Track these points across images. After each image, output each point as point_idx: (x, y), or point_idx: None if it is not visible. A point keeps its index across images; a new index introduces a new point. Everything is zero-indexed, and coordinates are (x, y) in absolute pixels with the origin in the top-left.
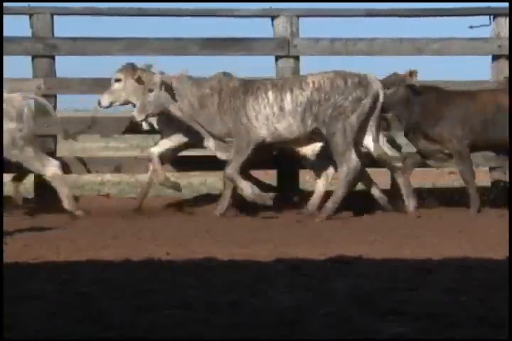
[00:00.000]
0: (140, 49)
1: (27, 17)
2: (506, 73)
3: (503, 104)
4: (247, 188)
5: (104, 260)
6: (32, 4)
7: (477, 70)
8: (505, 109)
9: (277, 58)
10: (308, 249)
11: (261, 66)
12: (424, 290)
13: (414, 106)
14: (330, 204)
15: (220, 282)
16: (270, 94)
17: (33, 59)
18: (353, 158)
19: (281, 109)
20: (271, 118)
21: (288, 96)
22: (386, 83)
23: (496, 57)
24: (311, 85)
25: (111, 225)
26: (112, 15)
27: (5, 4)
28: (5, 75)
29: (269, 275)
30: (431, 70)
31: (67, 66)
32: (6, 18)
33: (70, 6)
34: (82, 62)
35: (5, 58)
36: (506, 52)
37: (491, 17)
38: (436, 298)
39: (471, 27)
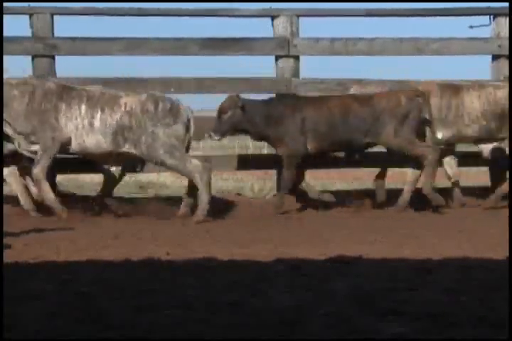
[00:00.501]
0: (140, 49)
1: (27, 17)
2: (506, 73)
3: (350, 108)
4: (48, 194)
5: (104, 260)
6: (32, 4)
7: (477, 70)
8: (352, 112)
9: (277, 58)
10: (308, 249)
11: (261, 66)
12: (424, 290)
13: (256, 120)
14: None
15: (220, 282)
16: (83, 106)
17: (33, 59)
18: (197, 164)
19: (91, 124)
20: (80, 129)
21: (99, 114)
22: (222, 108)
23: (495, 57)
24: (122, 108)
25: (111, 225)
26: (112, 15)
27: (5, 4)
28: (5, 75)
29: (269, 275)
30: (431, 70)
31: (67, 66)
32: (6, 18)
33: (70, 6)
34: (82, 62)
35: (5, 58)
36: (506, 52)
37: (491, 17)
38: (436, 298)
39: (471, 27)
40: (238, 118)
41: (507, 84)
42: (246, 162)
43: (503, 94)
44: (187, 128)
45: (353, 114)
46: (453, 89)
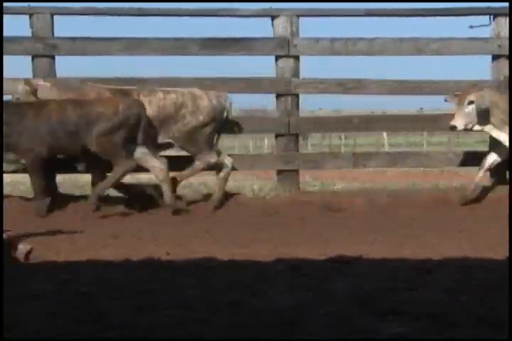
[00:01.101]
0: (140, 49)
1: (27, 17)
2: (506, 73)
3: (67, 114)
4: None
5: (104, 260)
6: (32, 4)
7: (477, 70)
8: (66, 117)
9: (277, 58)
10: (308, 249)
11: (261, 66)
12: (424, 290)
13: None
14: None
15: (220, 282)
16: None
17: (33, 59)
18: None
19: None
20: None
21: None
22: None
23: (495, 57)
24: None
25: (111, 225)
26: (112, 15)
27: (5, 4)
28: (5, 75)
29: (269, 275)
30: (431, 70)
31: (67, 66)
32: (6, 18)
33: (70, 6)
34: (82, 62)
35: (5, 58)
36: (506, 52)
37: (491, 17)
38: (436, 298)
39: (471, 27)
40: None
41: (181, 91)
42: (246, 162)
43: (171, 100)
44: None
45: (67, 118)
46: (124, 94)
